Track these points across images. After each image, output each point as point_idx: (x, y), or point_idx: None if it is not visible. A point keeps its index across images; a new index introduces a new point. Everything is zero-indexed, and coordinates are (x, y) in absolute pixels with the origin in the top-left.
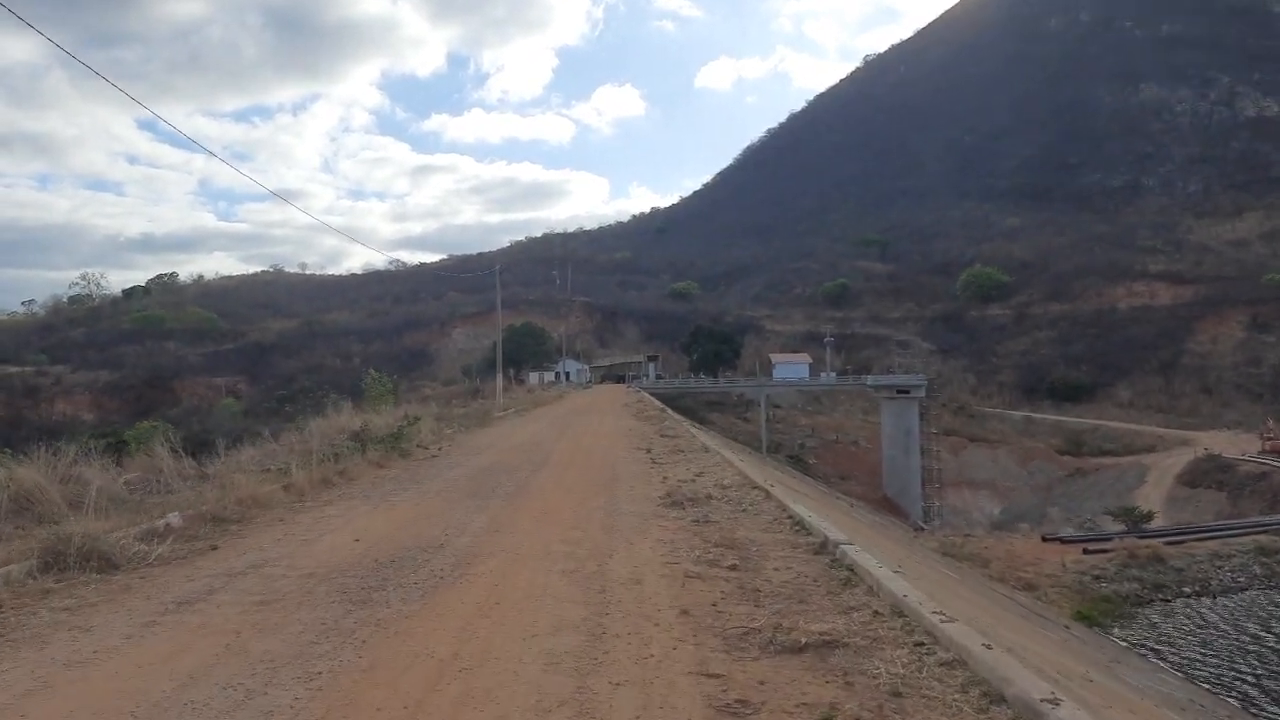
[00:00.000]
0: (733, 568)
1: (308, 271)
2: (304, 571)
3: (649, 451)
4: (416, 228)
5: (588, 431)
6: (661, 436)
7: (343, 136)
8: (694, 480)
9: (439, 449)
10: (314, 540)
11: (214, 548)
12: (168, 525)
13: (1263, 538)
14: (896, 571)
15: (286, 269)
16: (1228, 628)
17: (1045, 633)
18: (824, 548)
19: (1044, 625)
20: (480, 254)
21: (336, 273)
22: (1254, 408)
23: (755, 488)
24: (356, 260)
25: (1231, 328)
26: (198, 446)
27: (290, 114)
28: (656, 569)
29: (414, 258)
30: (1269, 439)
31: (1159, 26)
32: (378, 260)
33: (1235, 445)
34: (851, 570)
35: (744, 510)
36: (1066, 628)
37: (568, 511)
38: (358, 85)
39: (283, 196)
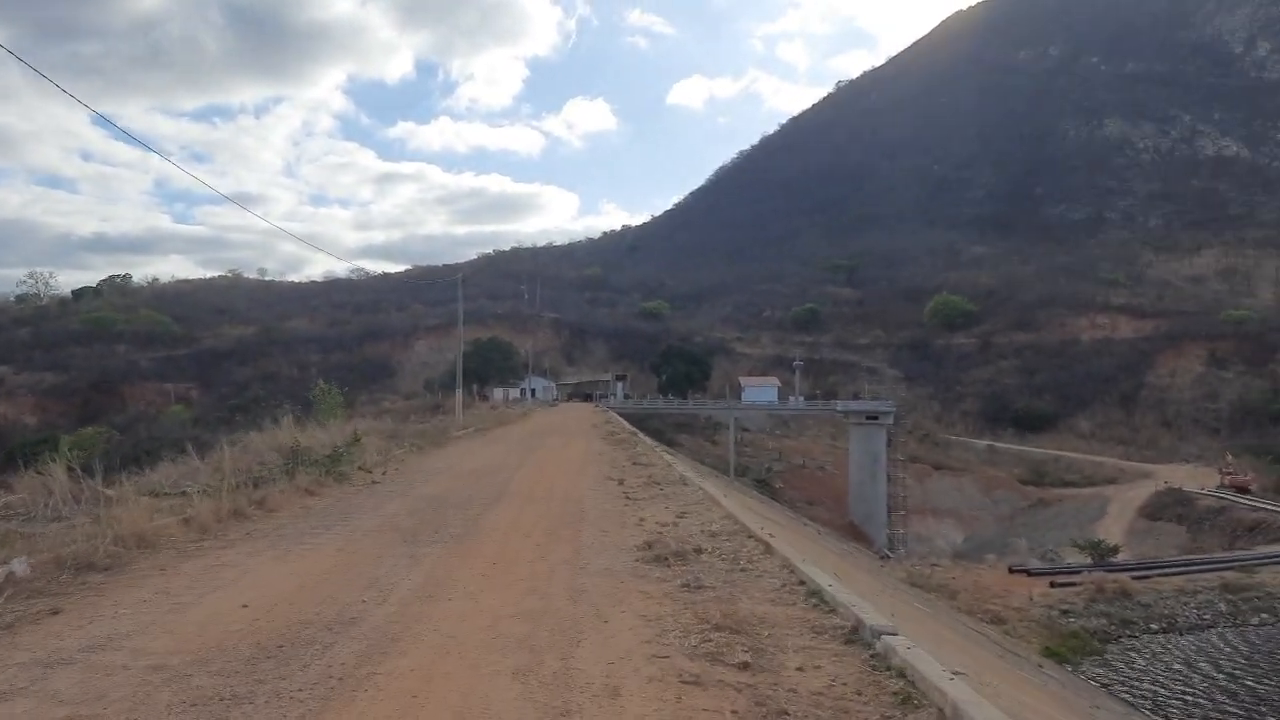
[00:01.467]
0: (743, 666)
1: (267, 278)
2: (153, 661)
3: (621, 483)
4: (380, 237)
5: (553, 456)
6: (634, 464)
7: (306, 141)
8: (676, 523)
9: (383, 473)
10: (190, 604)
11: (54, 612)
12: (9, 575)
13: (1228, 574)
14: (958, 674)
15: (245, 274)
16: (1205, 666)
17: (1026, 675)
18: (857, 635)
19: (1021, 666)
20: (446, 265)
21: (297, 280)
22: (1211, 442)
23: (751, 536)
24: (317, 268)
25: (1190, 362)
26: (142, 455)
27: (252, 116)
28: (640, 666)
29: (377, 267)
30: (1227, 473)
31: (1124, 63)
32: (340, 269)
33: (1194, 479)
34: (907, 679)
35: (742, 570)
36: (1040, 667)
37: (524, 565)
38: (323, 89)
39: (238, 202)
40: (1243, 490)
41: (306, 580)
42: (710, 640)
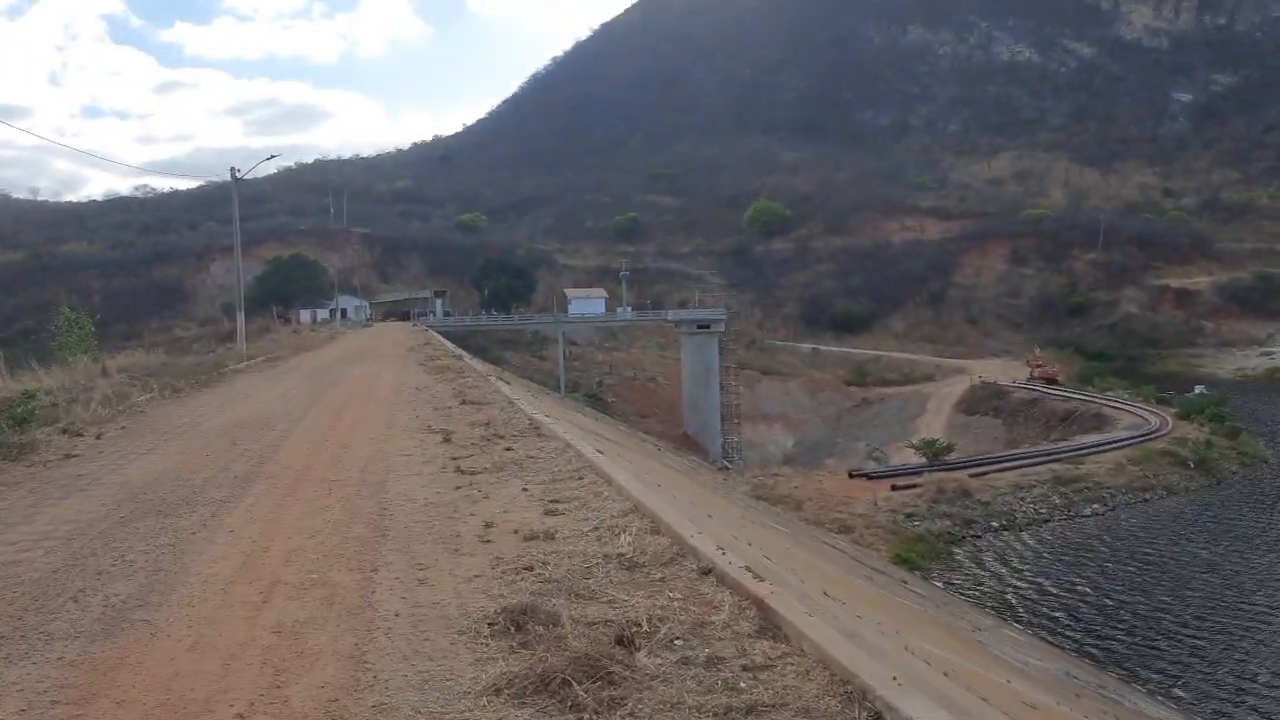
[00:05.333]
0: None
1: (39, 198)
2: None
3: (448, 439)
4: (165, 151)
5: (355, 395)
6: (463, 403)
7: (71, 45)
8: (551, 534)
9: (97, 435)
10: None
11: None
12: None
13: (1057, 466)
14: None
15: (14, 195)
16: (1051, 563)
17: (907, 604)
18: None
19: (895, 590)
20: (243, 181)
21: (75, 199)
22: (1014, 337)
23: (706, 572)
24: (97, 186)
25: (994, 261)
26: None
27: (6, 17)
28: None
29: (165, 184)
30: (1036, 366)
31: None
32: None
33: (1005, 373)
34: None
35: (720, 684)
36: (905, 583)
37: (246, 683)
38: None
39: None
40: (1051, 381)
41: None
42: None
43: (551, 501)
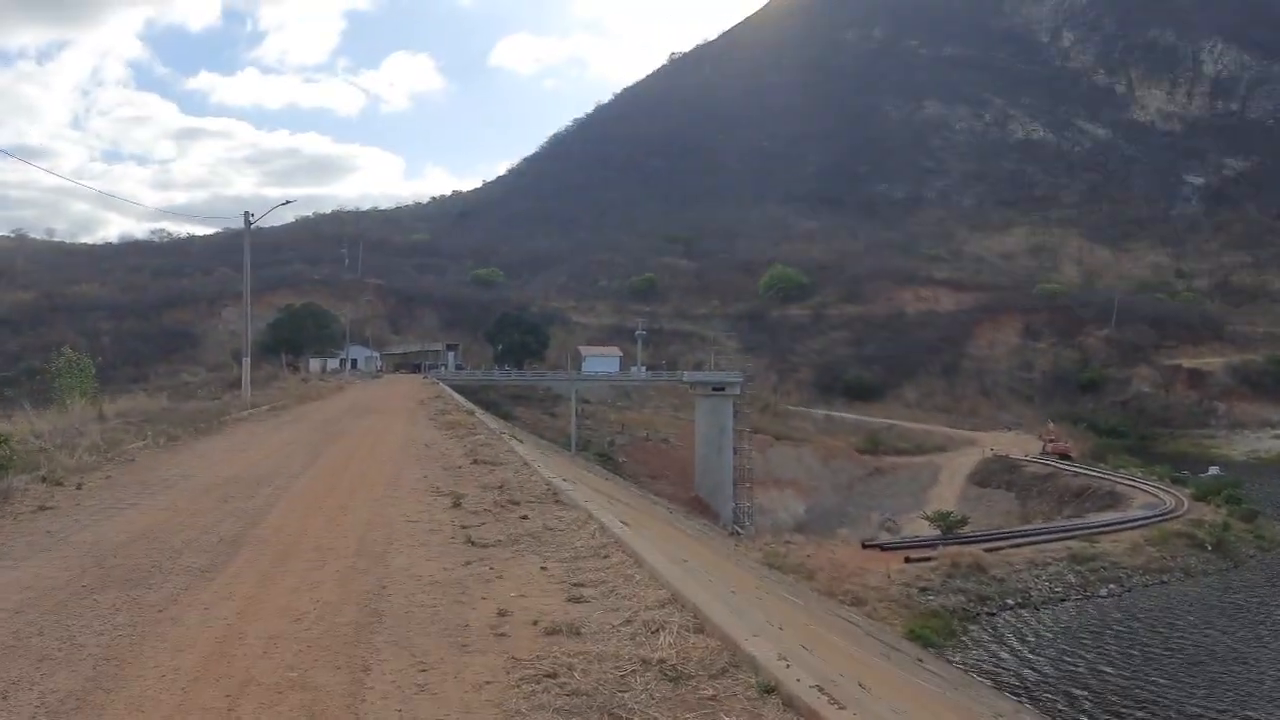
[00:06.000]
0: None
1: (56, 239)
2: None
3: (457, 504)
4: (183, 197)
5: (359, 451)
6: (475, 464)
7: (96, 90)
8: (576, 630)
9: (78, 486)
10: None
11: None
12: None
13: (1072, 544)
14: None
15: (31, 235)
16: (1066, 644)
17: (923, 684)
18: None
19: (909, 668)
20: (259, 229)
21: (91, 241)
22: (1026, 410)
23: (769, 690)
24: (113, 229)
25: (1007, 334)
26: None
27: (34, 61)
28: None
29: (182, 229)
30: (1049, 440)
31: (941, 48)
32: (138, 231)
33: (1017, 445)
34: None
35: None
36: (920, 661)
37: None
38: (114, 32)
39: (13, 154)
40: (1064, 456)
41: None
42: None
43: (575, 585)
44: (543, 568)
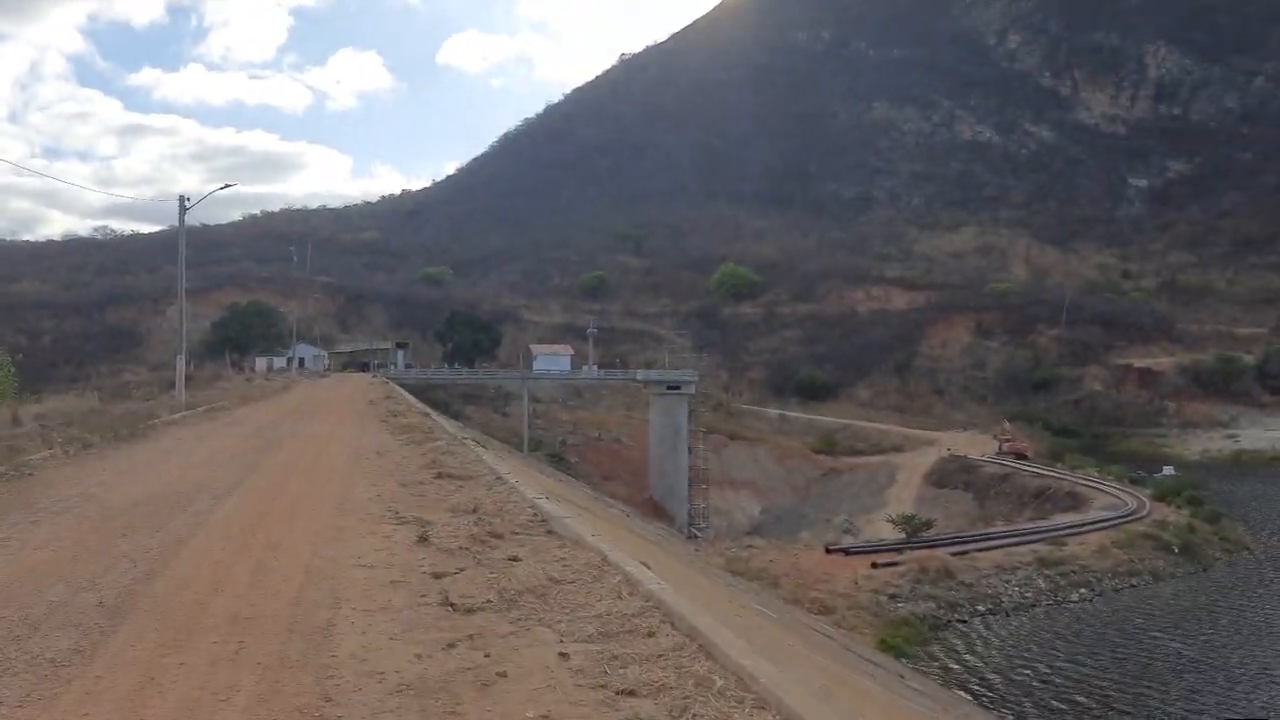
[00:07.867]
0: None
1: None
2: None
3: (424, 539)
4: (128, 194)
5: (302, 463)
6: (439, 478)
7: (35, 85)
8: None
9: None
10: None
11: None
12: None
13: (1040, 547)
14: None
15: None
16: (1038, 651)
17: (909, 703)
18: None
19: (897, 687)
20: (206, 226)
21: (31, 239)
22: (979, 409)
23: None
24: (55, 227)
25: (959, 333)
26: None
27: None
28: None
29: (125, 227)
30: (1005, 440)
31: (890, 49)
32: (81, 229)
33: (973, 445)
34: None
35: None
36: (902, 678)
37: None
38: (53, 26)
39: None
40: (1020, 456)
41: None
42: None
43: (622, 693)
44: (561, 653)
